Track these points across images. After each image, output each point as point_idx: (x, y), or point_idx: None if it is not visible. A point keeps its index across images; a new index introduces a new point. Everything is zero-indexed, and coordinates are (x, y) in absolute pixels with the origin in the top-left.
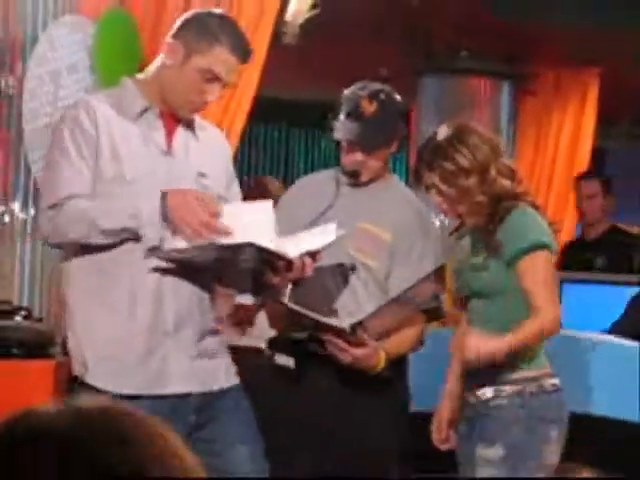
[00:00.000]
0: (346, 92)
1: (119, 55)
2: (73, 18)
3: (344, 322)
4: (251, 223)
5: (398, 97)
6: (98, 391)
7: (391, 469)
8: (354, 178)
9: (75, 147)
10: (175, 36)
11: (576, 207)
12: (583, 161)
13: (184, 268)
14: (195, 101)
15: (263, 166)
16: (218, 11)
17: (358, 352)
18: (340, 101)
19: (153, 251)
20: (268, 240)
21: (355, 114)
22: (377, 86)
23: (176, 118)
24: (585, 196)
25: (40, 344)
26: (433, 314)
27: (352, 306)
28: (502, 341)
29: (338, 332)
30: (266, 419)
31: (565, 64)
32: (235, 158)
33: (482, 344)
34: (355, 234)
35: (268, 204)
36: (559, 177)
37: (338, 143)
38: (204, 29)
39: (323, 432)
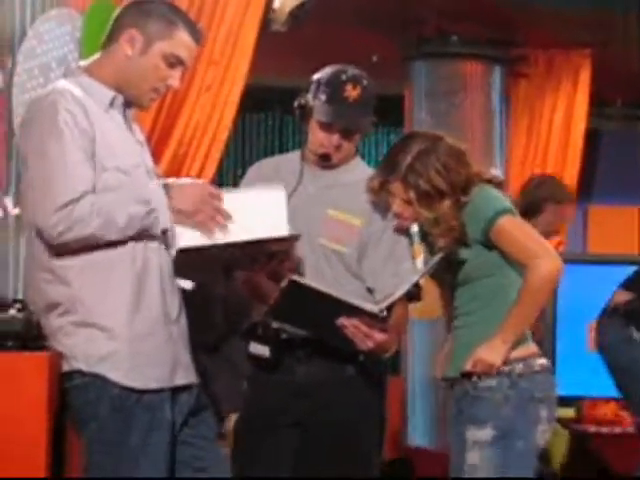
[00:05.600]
0: (322, 75)
1: None
2: (60, 11)
3: (374, 307)
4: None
5: (372, 84)
6: (111, 385)
7: (373, 463)
8: (325, 160)
9: (75, 141)
10: (129, 25)
11: None
12: (577, 143)
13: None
14: (159, 88)
15: (257, 155)
16: None
17: (381, 338)
18: (314, 84)
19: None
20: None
21: (339, 98)
22: (357, 71)
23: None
24: None
25: (35, 336)
26: (413, 296)
27: None
28: (503, 332)
29: (365, 317)
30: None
31: (557, 46)
32: (227, 149)
33: (488, 354)
34: (325, 223)
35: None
36: (552, 159)
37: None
38: (158, 15)
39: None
